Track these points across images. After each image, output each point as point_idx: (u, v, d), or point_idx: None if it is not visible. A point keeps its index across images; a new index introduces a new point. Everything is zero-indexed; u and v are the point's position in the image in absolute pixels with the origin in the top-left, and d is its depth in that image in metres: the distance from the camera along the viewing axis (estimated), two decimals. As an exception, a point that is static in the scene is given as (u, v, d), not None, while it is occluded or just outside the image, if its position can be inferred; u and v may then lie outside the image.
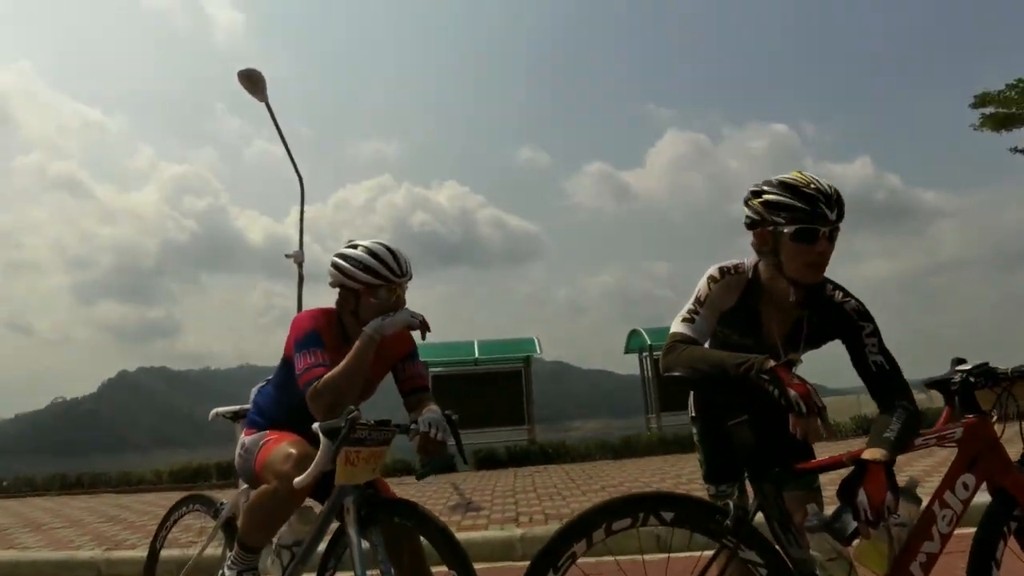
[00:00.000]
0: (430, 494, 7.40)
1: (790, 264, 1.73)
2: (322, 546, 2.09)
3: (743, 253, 1.90)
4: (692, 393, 2.08)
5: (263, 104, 9.20)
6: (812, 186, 1.69)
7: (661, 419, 12.53)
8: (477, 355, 12.89)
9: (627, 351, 14.52)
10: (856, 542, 1.54)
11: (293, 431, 2.12)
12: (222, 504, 2.53)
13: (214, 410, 2.67)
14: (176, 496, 3.14)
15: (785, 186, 1.72)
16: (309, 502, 2.15)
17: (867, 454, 1.53)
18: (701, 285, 1.86)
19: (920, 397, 1.87)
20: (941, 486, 1.60)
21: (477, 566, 1.89)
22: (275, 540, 2.18)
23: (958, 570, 1.59)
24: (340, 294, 2.17)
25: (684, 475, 7.36)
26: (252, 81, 8.94)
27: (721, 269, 1.86)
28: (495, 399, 12.17)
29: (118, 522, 6.86)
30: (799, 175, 1.73)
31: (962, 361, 1.72)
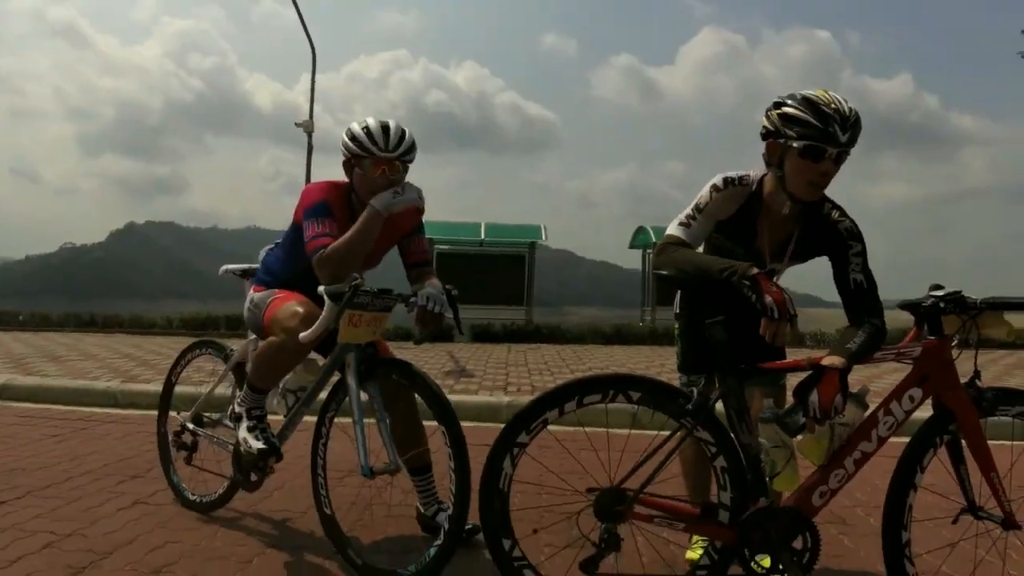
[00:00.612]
0: (427, 359, 7.78)
1: (793, 179, 1.78)
2: (324, 394, 2.29)
3: (762, 161, 1.90)
4: (679, 291, 2.20)
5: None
6: (832, 106, 1.70)
7: (656, 312, 12.84)
8: (484, 237, 12.96)
9: (632, 246, 14.61)
10: (801, 436, 1.71)
11: (299, 291, 2.24)
12: (232, 350, 2.68)
13: (224, 267, 2.76)
14: (187, 341, 3.35)
15: (807, 101, 1.72)
16: (314, 354, 2.32)
17: (826, 360, 1.66)
18: (704, 192, 1.91)
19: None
20: (889, 395, 1.74)
21: (465, 424, 2.09)
22: (281, 384, 2.37)
23: (885, 469, 1.77)
24: (344, 165, 2.22)
25: (668, 365, 7.69)
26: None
27: (726, 179, 1.90)
28: (497, 280, 12.36)
29: (132, 359, 7.20)
30: (823, 93, 1.73)
31: (939, 287, 1.80)
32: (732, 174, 1.91)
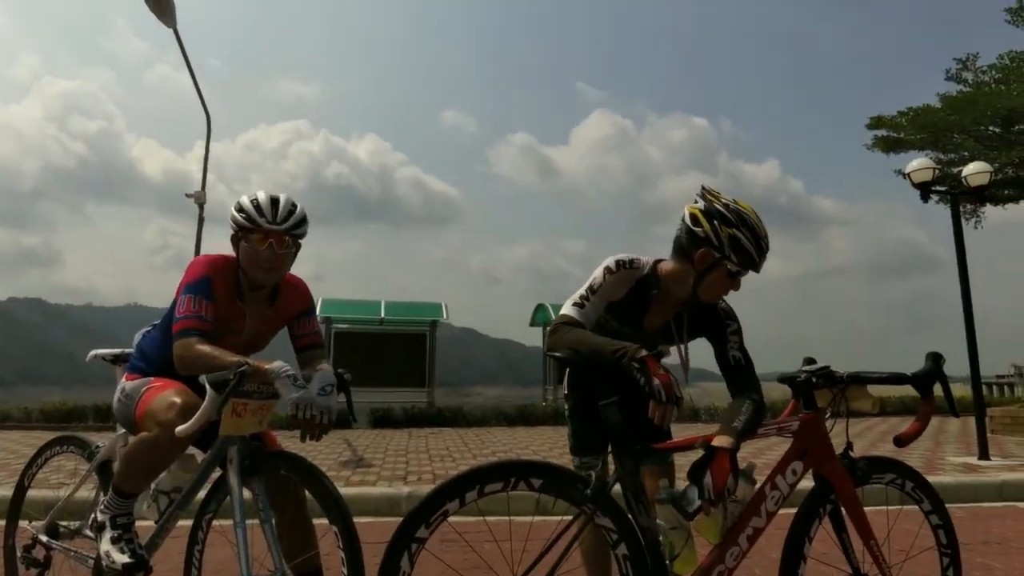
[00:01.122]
0: (321, 448, 7.38)
1: (710, 288, 1.90)
2: (202, 493, 2.09)
3: (656, 239, 2.05)
4: (567, 371, 2.23)
5: (170, 29, 8.60)
6: (764, 239, 1.85)
7: (557, 391, 12.97)
8: (384, 315, 12.81)
9: (532, 324, 14.88)
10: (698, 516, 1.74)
11: (178, 379, 2.08)
12: (98, 447, 2.45)
13: (93, 352, 2.56)
14: (46, 436, 3.01)
15: (747, 225, 1.83)
16: (191, 449, 2.12)
17: (716, 441, 1.72)
18: (597, 274, 1.98)
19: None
20: (774, 471, 1.82)
21: (363, 520, 1.96)
22: (153, 485, 2.15)
23: (778, 542, 1.82)
24: (231, 239, 2.14)
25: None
26: (160, 4, 8.31)
27: (618, 262, 1.98)
28: (398, 360, 12.14)
29: (-21, 458, 6.43)
30: (753, 213, 1.86)
31: (812, 361, 1.93)
32: (624, 257, 1.99)
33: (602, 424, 1.76)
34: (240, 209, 2.07)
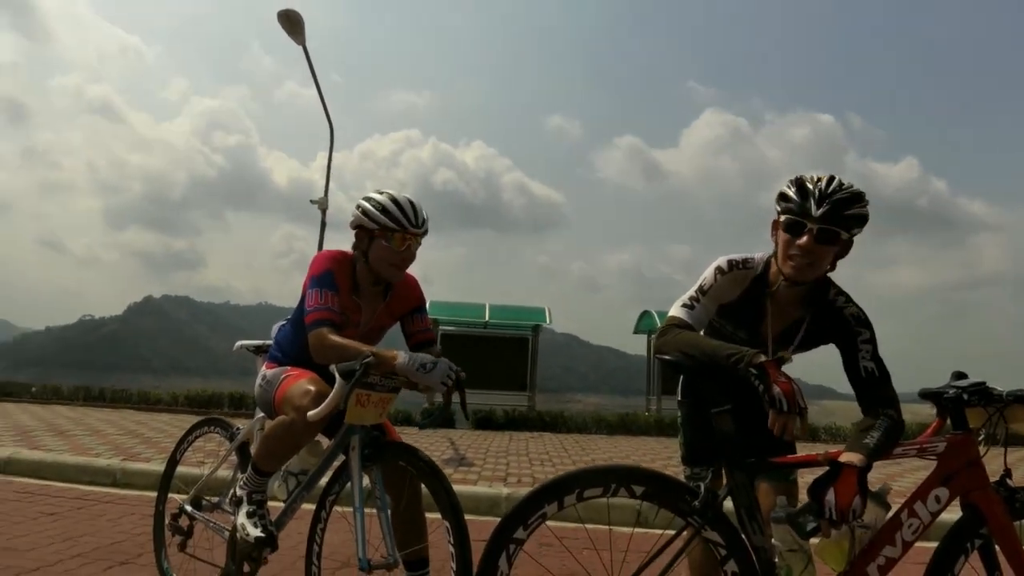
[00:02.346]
0: (426, 445, 7.56)
1: (780, 255, 1.78)
2: (326, 478, 2.19)
3: (769, 245, 1.88)
4: (681, 377, 2.11)
5: (298, 46, 9.15)
6: (817, 184, 1.71)
7: (661, 402, 12.60)
8: (488, 318, 12.98)
9: (636, 331, 14.52)
10: (818, 539, 1.58)
11: (312, 369, 2.20)
12: (238, 429, 2.63)
13: (239, 342, 2.77)
14: (189, 419, 3.27)
15: (798, 180, 1.74)
16: (319, 436, 2.24)
17: (843, 457, 1.56)
18: (707, 274, 1.87)
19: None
20: (913, 496, 1.62)
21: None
22: (284, 467, 2.29)
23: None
24: (356, 235, 2.23)
25: (674, 458, 7.44)
26: (291, 22, 8.89)
27: (730, 262, 1.87)
28: (500, 363, 12.26)
29: (135, 436, 7.06)
30: (824, 176, 1.74)
31: (962, 376, 1.71)
32: (736, 257, 1.88)
33: (714, 434, 1.64)
34: (384, 210, 2.15)
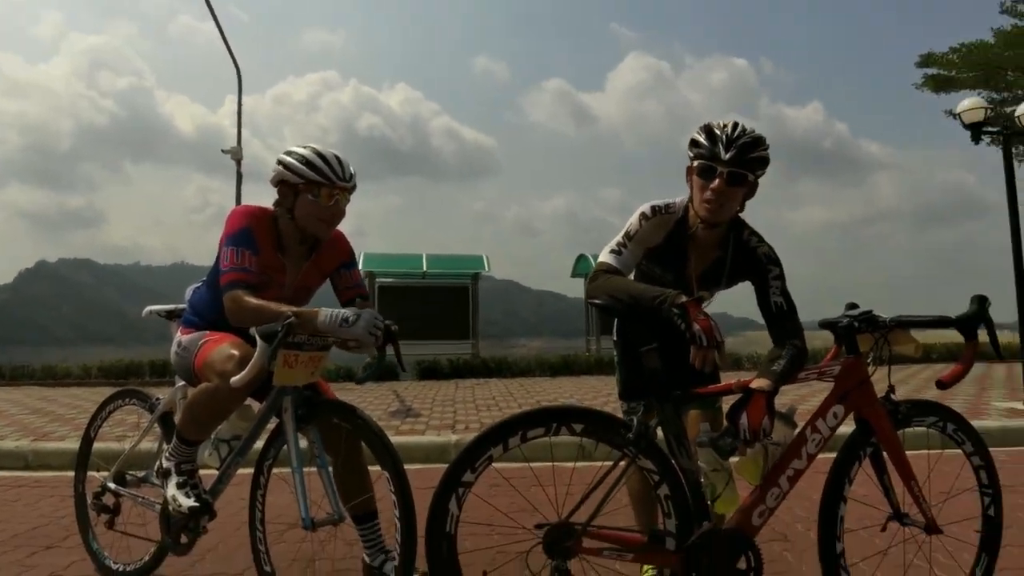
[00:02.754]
0: (372, 399, 7.64)
1: (695, 199, 1.91)
2: (260, 442, 2.20)
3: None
4: (616, 319, 2.25)
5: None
6: (723, 129, 1.85)
7: (600, 342, 13.01)
8: (426, 269, 12.95)
9: (574, 275, 14.81)
10: (736, 457, 1.77)
11: (231, 332, 2.15)
12: (158, 399, 2.55)
13: (148, 308, 2.65)
14: (106, 392, 3.14)
15: (706, 127, 1.88)
16: (249, 400, 2.22)
17: (754, 384, 1.73)
18: (633, 220, 1.98)
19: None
20: (815, 414, 1.82)
21: (412, 467, 2.04)
22: (214, 434, 2.25)
23: (819, 484, 1.85)
24: (279, 191, 2.16)
25: (614, 394, 7.78)
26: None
27: (653, 208, 1.98)
28: (442, 313, 12.34)
29: (44, 414, 6.78)
30: (728, 121, 1.88)
31: (855, 306, 1.91)
32: (659, 202, 1.99)
33: (643, 370, 1.79)
34: (308, 163, 2.09)
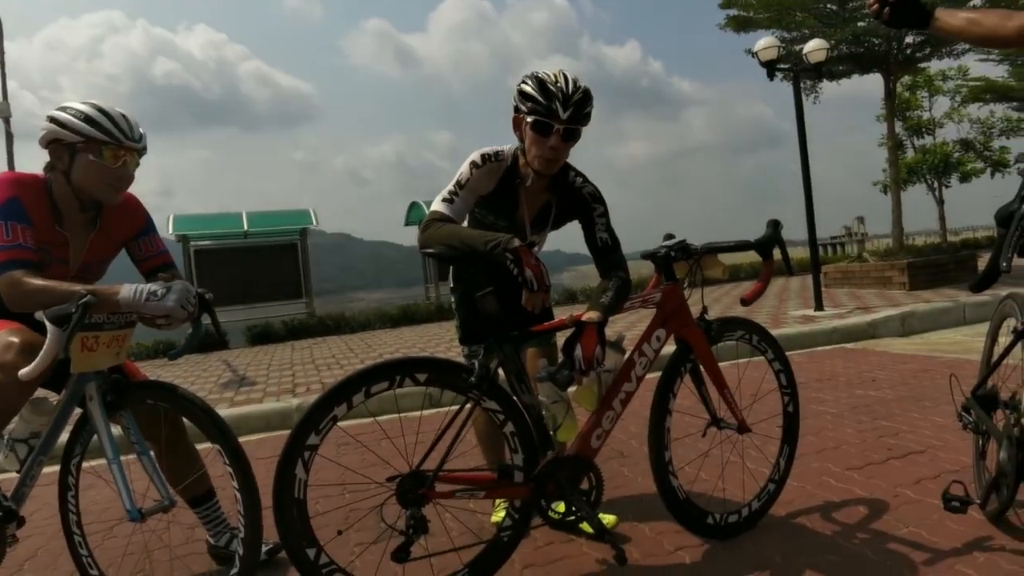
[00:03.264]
0: (200, 372, 7.10)
1: (529, 152, 1.93)
2: (64, 436, 1.97)
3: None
4: (452, 265, 2.25)
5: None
6: (557, 85, 1.86)
7: (439, 289, 13.07)
8: (247, 227, 12.08)
9: (407, 223, 14.63)
10: (573, 387, 1.87)
11: (9, 317, 1.87)
12: None
13: None
14: None
15: (539, 80, 1.87)
16: (41, 392, 1.96)
17: (585, 316, 1.83)
18: (464, 168, 1.97)
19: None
20: (640, 339, 1.97)
21: (255, 436, 1.92)
22: (6, 434, 1.97)
23: (649, 403, 2.02)
24: (52, 152, 1.88)
25: (456, 340, 7.90)
26: None
27: (483, 155, 1.98)
28: (269, 274, 11.64)
29: None
30: (558, 73, 1.89)
31: (671, 236, 2.07)
32: (488, 150, 2.00)
33: (481, 314, 1.81)
34: (89, 119, 1.82)
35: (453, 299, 2.30)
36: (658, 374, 2.03)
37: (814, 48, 7.80)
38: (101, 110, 1.86)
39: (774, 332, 2.24)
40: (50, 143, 1.87)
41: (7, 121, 7.85)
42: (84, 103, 1.87)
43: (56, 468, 1.96)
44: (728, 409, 2.05)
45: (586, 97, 1.88)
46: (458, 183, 1.97)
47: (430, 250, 1.86)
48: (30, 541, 2.44)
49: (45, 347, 1.67)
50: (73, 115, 1.84)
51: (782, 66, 8.18)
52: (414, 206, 14.34)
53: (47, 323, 1.66)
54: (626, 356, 1.96)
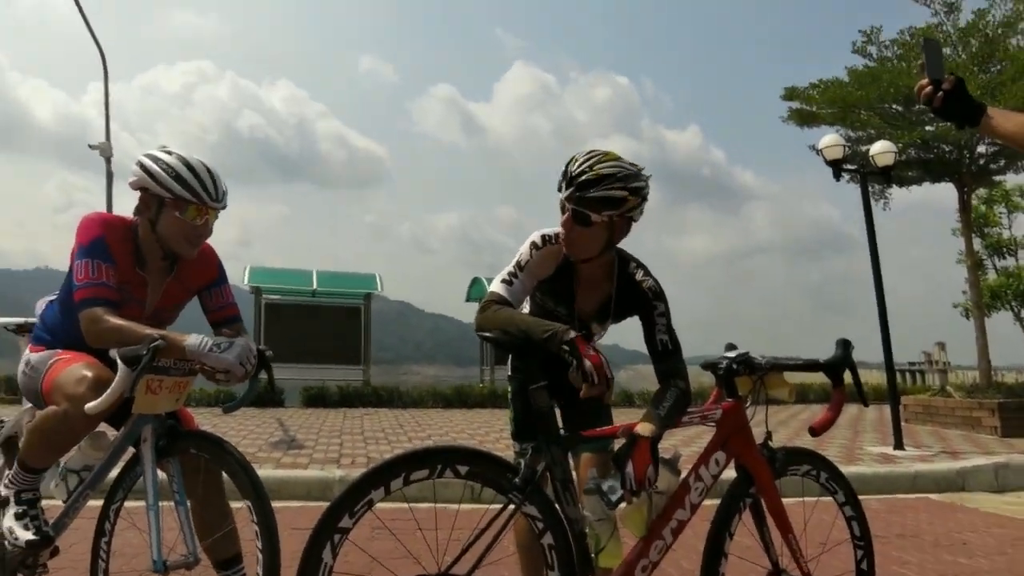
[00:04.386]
0: (253, 427, 7.19)
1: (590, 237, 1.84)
2: (114, 473, 2.02)
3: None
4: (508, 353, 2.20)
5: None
6: (568, 165, 1.79)
7: (495, 372, 12.95)
8: (316, 286, 12.43)
9: (468, 300, 14.62)
10: (622, 506, 1.75)
11: (87, 352, 1.96)
12: (2, 422, 2.32)
13: None
14: None
15: (569, 159, 1.81)
16: (103, 426, 2.03)
17: (638, 428, 1.71)
18: (523, 249, 1.92)
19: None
20: (697, 461, 1.84)
21: (293, 504, 1.89)
22: (62, 462, 2.05)
23: (704, 532, 1.85)
24: (141, 199, 1.99)
25: (508, 429, 7.74)
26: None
27: (544, 236, 1.91)
28: (332, 335, 11.83)
29: None
30: (583, 152, 1.81)
31: (733, 347, 1.95)
32: (549, 231, 1.92)
33: (533, 410, 1.74)
34: (176, 177, 1.92)
35: (509, 388, 2.23)
36: (714, 501, 1.88)
37: (881, 150, 7.24)
38: (190, 167, 1.95)
39: (847, 470, 2.07)
40: (141, 189, 1.97)
41: (108, 161, 8.50)
42: (176, 156, 1.96)
43: (99, 502, 1.99)
44: (792, 558, 1.86)
45: (597, 179, 1.74)
46: (518, 264, 1.91)
47: (487, 334, 1.80)
48: (61, 573, 2.43)
49: (113, 384, 1.74)
50: (164, 169, 1.92)
51: (849, 166, 7.71)
52: (475, 282, 14.41)
53: (118, 361, 1.74)
54: (681, 478, 1.83)
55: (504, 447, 6.26)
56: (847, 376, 1.87)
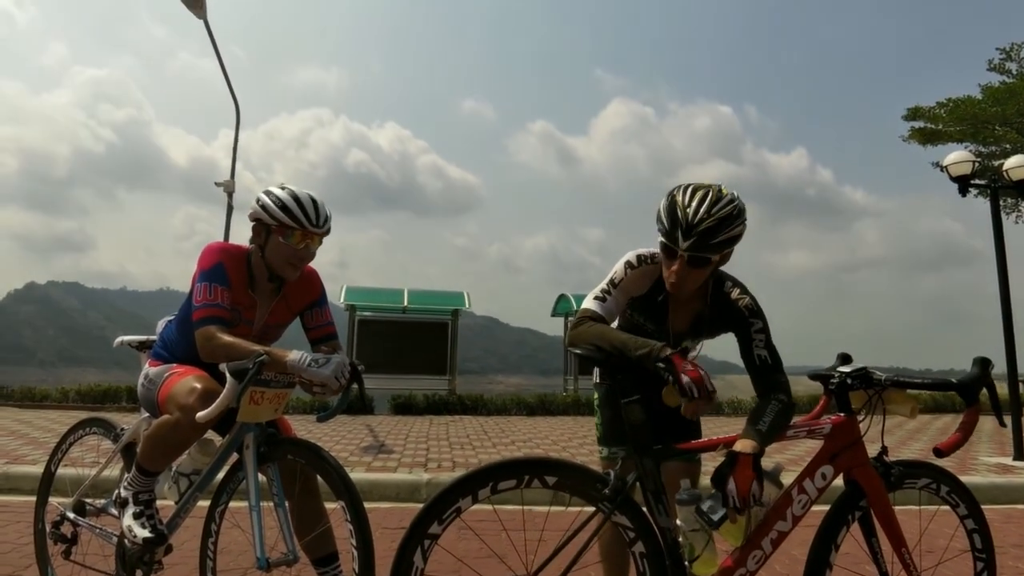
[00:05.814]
0: (344, 433, 7.44)
1: (663, 267, 1.85)
2: (220, 476, 2.15)
3: None
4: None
5: (191, 15, 8.65)
6: (686, 210, 1.73)
7: (578, 382, 12.91)
8: (407, 303, 12.88)
9: (554, 314, 14.80)
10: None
11: (199, 367, 2.13)
12: (122, 429, 2.51)
13: (120, 338, 2.67)
14: (82, 416, 3.09)
15: (670, 200, 1.77)
16: (210, 434, 2.19)
17: (738, 445, 1.64)
18: (618, 268, 1.93)
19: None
20: (802, 473, 1.74)
21: (383, 505, 1.95)
22: (174, 467, 2.22)
23: (801, 539, 1.75)
24: (254, 228, 2.18)
25: (590, 436, 7.65)
26: (192, -3, 8.37)
27: (639, 256, 1.93)
28: (420, 348, 12.24)
29: (19, 436, 6.63)
30: (692, 195, 1.75)
31: (847, 359, 1.84)
32: (644, 252, 1.94)
33: (624, 422, 1.70)
34: (284, 207, 2.10)
35: (596, 396, 2.21)
36: (817, 508, 1.76)
37: (1016, 164, 7.25)
38: (296, 198, 2.12)
39: (961, 479, 1.90)
40: (255, 220, 2.15)
41: (230, 195, 9.14)
42: (284, 189, 2.14)
43: (207, 503, 2.12)
44: (904, 571, 1.73)
45: (718, 225, 1.71)
46: (611, 282, 1.92)
47: (578, 350, 1.80)
48: (174, 569, 2.58)
49: (222, 395, 1.89)
50: (273, 201, 2.11)
51: (977, 182, 7.55)
52: (562, 298, 14.51)
53: (227, 374, 1.88)
54: (783, 490, 1.73)
55: (588, 452, 6.20)
56: (984, 395, 1.70)
